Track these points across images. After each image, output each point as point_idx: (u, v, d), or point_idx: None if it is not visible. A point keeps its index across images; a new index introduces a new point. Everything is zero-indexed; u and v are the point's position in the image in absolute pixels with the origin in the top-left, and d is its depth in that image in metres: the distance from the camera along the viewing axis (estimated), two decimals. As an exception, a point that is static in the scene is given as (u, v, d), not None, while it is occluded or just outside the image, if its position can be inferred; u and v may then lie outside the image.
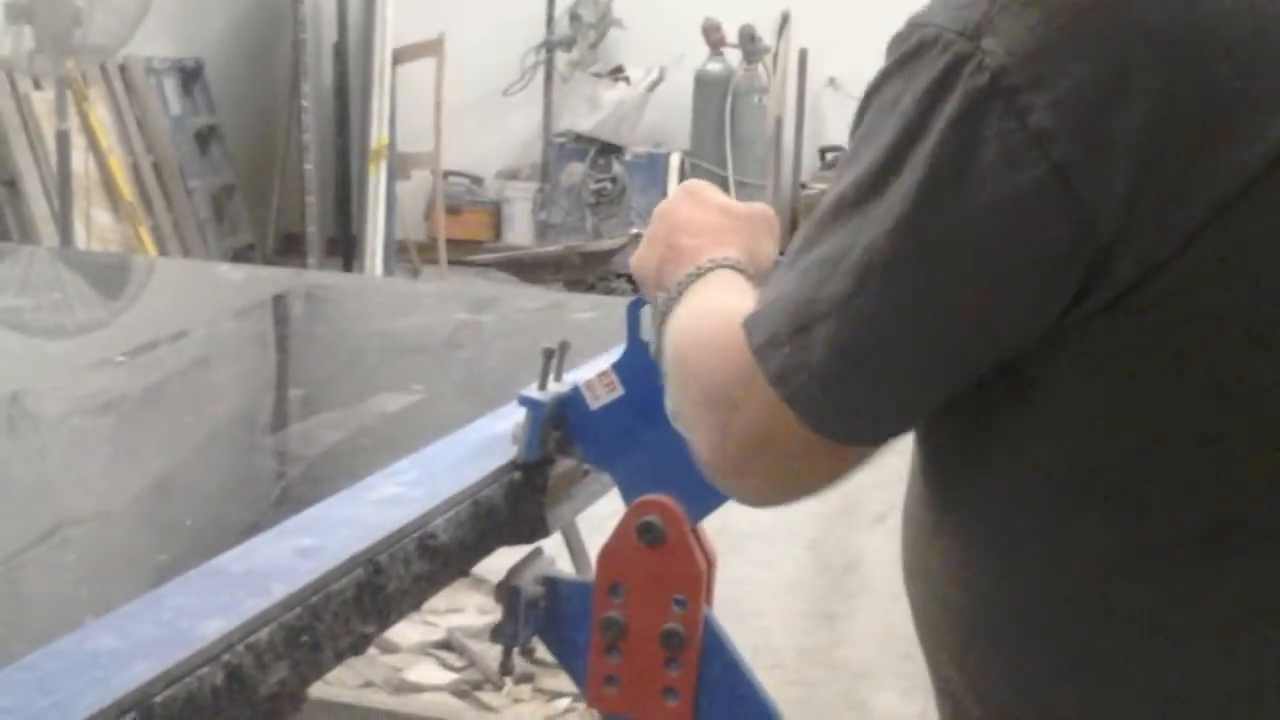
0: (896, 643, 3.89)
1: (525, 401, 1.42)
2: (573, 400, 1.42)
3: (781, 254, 1.18)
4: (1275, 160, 0.77)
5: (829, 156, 7.92)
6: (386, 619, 1.23)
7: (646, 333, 1.34)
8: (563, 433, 1.43)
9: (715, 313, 0.98)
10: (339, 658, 1.16)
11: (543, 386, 1.43)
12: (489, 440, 1.53)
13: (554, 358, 1.43)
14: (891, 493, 1.10)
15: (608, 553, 1.37)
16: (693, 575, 1.35)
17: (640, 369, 1.37)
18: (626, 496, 1.40)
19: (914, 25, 0.84)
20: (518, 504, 1.43)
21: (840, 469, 0.90)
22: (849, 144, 0.89)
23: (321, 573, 1.15)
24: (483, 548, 1.40)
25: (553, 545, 1.48)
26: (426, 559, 1.28)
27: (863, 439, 0.88)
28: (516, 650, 1.45)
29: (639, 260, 1.20)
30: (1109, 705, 0.86)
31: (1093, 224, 0.78)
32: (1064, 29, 0.78)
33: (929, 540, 0.94)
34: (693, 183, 1.23)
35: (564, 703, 3.53)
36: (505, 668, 1.49)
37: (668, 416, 1.31)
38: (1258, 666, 0.84)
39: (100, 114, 6.39)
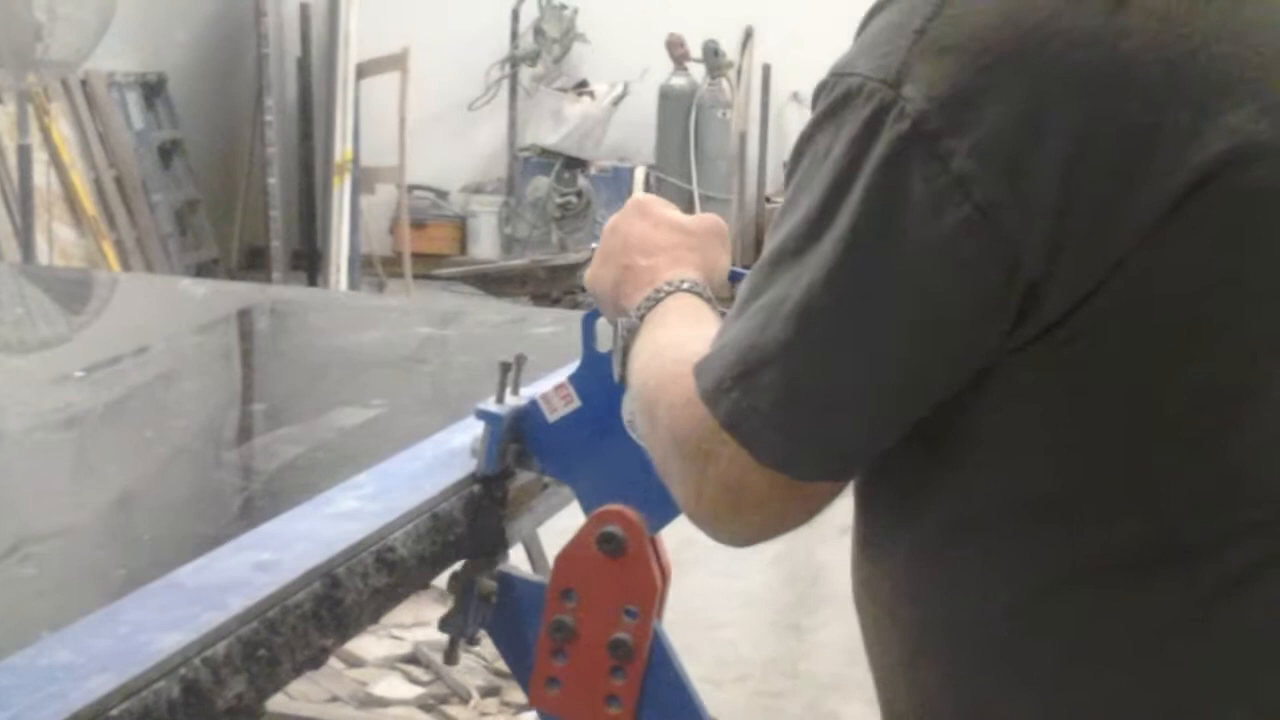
0: (863, 655, 3.90)
1: (483, 415, 1.43)
2: (530, 413, 1.43)
3: (735, 267, 1.20)
4: (1189, 190, 0.79)
5: (793, 170, 7.94)
6: (345, 632, 1.24)
7: (602, 345, 1.35)
8: (521, 446, 1.44)
9: (677, 356, 0.98)
10: (297, 671, 1.16)
11: (500, 400, 1.43)
12: (448, 454, 1.53)
13: (510, 371, 1.44)
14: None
15: (565, 557, 1.38)
16: (647, 588, 1.36)
17: (596, 381, 1.37)
18: (586, 507, 1.41)
19: (838, 75, 0.86)
20: (477, 517, 1.44)
21: (814, 505, 0.92)
22: (786, 191, 0.91)
23: (278, 586, 1.15)
24: (442, 561, 1.41)
25: (514, 554, 1.48)
26: (385, 572, 1.29)
27: (823, 475, 0.90)
28: (482, 661, 1.46)
29: (593, 277, 1.21)
30: (1053, 713, 0.88)
31: (1018, 261, 0.80)
32: (980, 73, 0.80)
33: (875, 562, 0.96)
34: (642, 198, 1.23)
35: (531, 716, 3.53)
36: (450, 657, 1.50)
37: (625, 428, 1.34)
38: (1190, 679, 0.86)
39: (62, 129, 6.36)
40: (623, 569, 1.35)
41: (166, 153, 7.19)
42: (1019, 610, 0.88)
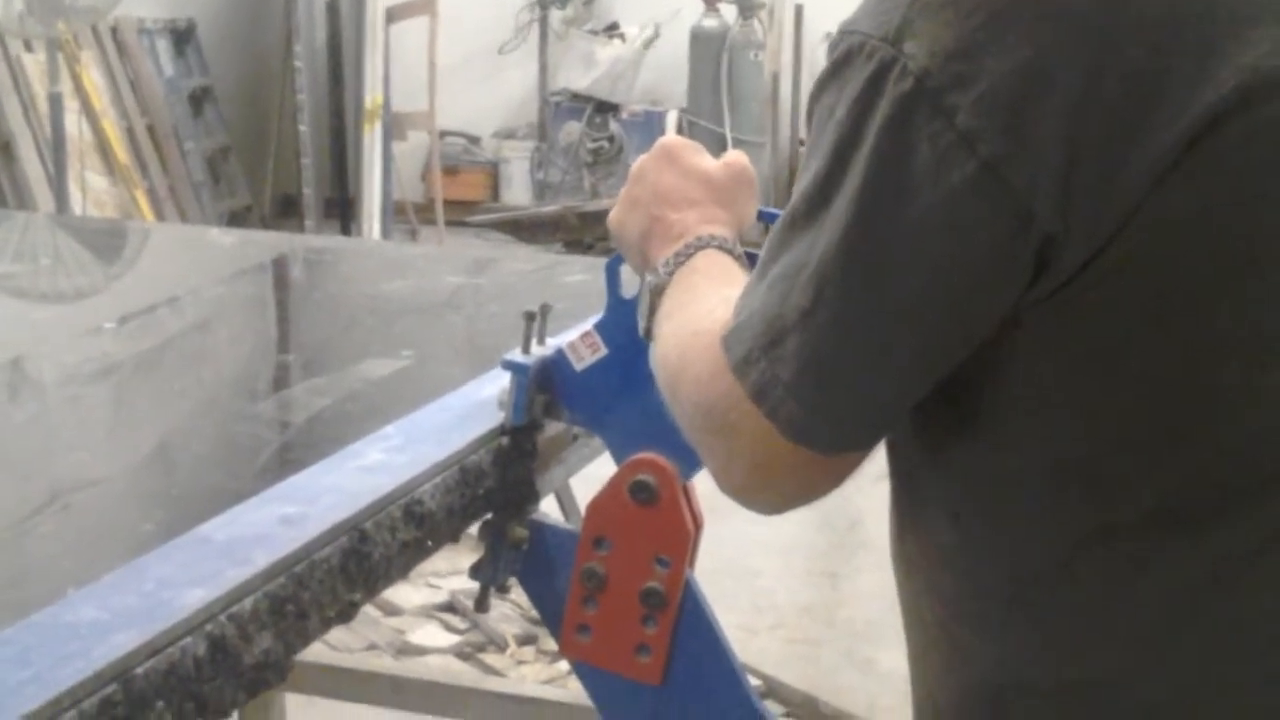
0: (899, 601, 3.89)
1: (509, 366, 1.41)
2: (557, 363, 1.41)
3: (764, 208, 1.20)
4: (1201, 131, 0.78)
5: (827, 112, 7.87)
6: (374, 586, 1.22)
7: (627, 291, 1.34)
8: (549, 396, 1.42)
9: (698, 328, 0.97)
10: (326, 626, 1.15)
11: (526, 350, 1.42)
12: (477, 405, 1.52)
13: (535, 321, 1.42)
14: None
15: (597, 505, 1.37)
16: (680, 536, 1.35)
17: (622, 328, 1.35)
18: (617, 456, 1.40)
19: (843, 33, 0.86)
20: (506, 469, 1.42)
21: (842, 472, 0.92)
22: (804, 151, 0.90)
23: (305, 541, 1.14)
24: (472, 514, 1.40)
25: (545, 502, 1.47)
26: (413, 525, 1.27)
27: (845, 446, 0.90)
28: (519, 609, 1.46)
29: (619, 224, 1.20)
30: (1081, 674, 0.88)
31: (1030, 214, 0.79)
32: (981, 26, 0.79)
33: (906, 528, 0.96)
34: (671, 142, 1.21)
35: (567, 664, 3.54)
36: (481, 605, 1.49)
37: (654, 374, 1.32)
38: (1207, 643, 0.85)
39: (93, 76, 6.35)
40: (655, 517, 1.34)
41: (197, 100, 7.18)
42: (1047, 572, 0.87)
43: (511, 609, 3.82)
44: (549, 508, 1.53)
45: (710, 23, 7.59)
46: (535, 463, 1.45)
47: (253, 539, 1.13)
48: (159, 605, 1.00)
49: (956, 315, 0.83)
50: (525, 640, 3.64)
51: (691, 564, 1.38)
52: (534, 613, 3.79)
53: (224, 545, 1.12)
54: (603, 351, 1.39)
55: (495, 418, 1.45)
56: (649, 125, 7.67)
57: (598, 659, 1.38)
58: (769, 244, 0.90)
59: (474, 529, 1.43)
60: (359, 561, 1.19)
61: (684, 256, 1.10)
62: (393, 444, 1.39)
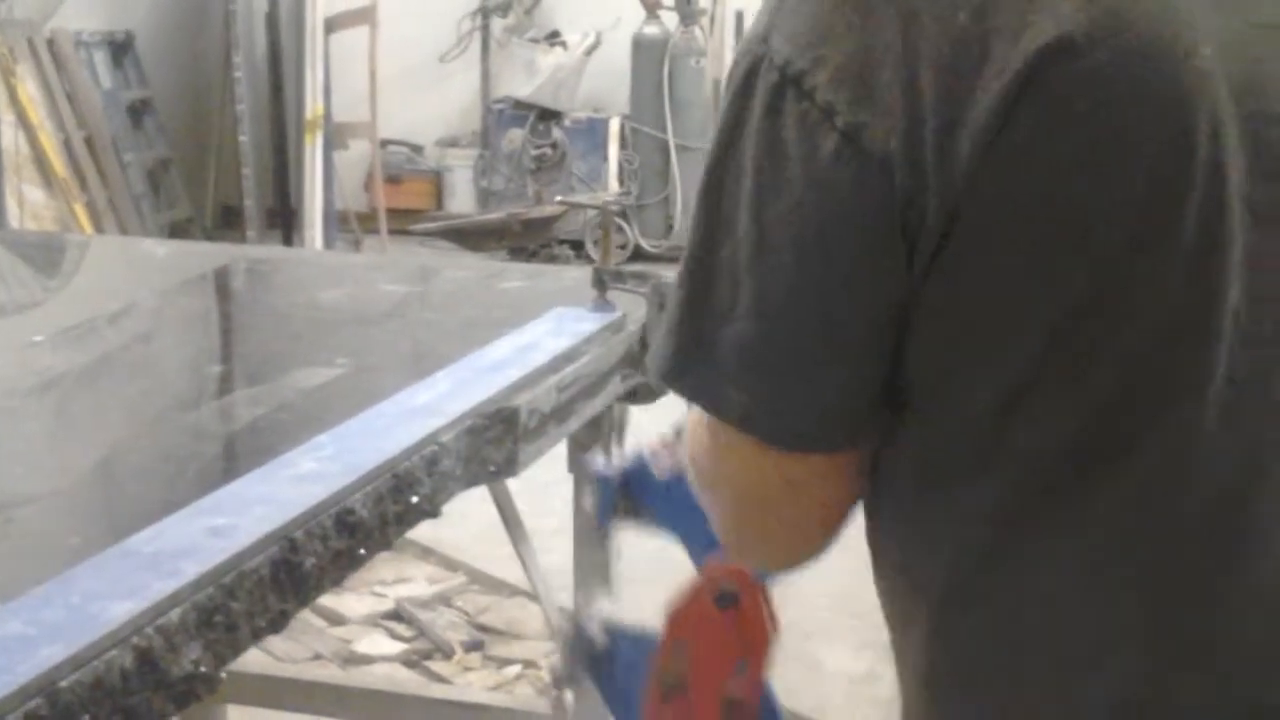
0: (846, 602, 3.91)
1: (599, 478, 1.47)
2: (638, 471, 1.47)
3: None
4: (1022, 84, 0.81)
5: (769, 117, 7.91)
6: (306, 596, 1.23)
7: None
8: (630, 501, 1.48)
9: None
10: (257, 636, 1.15)
11: (607, 455, 1.51)
12: (411, 413, 1.52)
13: (614, 430, 1.53)
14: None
15: (679, 610, 1.39)
16: (760, 640, 1.37)
17: None
18: (696, 561, 1.44)
19: (736, 51, 0.93)
20: (433, 476, 1.43)
21: (827, 514, 0.95)
22: None
23: (234, 551, 1.14)
24: (406, 521, 1.40)
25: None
26: (345, 534, 1.28)
27: (806, 436, 0.91)
28: (465, 616, 1.49)
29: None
30: (1006, 633, 0.90)
31: (890, 177, 0.83)
32: (828, 14, 0.86)
33: (873, 533, 0.98)
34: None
35: (514, 670, 3.54)
36: (558, 707, 1.53)
37: None
38: (1129, 588, 0.88)
39: (29, 89, 6.29)
40: (736, 622, 1.36)
41: (136, 112, 7.12)
42: (987, 549, 0.89)
43: (458, 616, 3.81)
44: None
45: (652, 30, 7.61)
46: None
47: (181, 551, 1.13)
48: (85, 619, 1.00)
49: (856, 283, 0.87)
50: (472, 647, 3.63)
51: (768, 667, 1.39)
52: (481, 619, 3.80)
53: (152, 557, 1.12)
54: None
55: (428, 424, 1.47)
56: (592, 132, 7.69)
57: None
58: (681, 265, 0.93)
59: (426, 539, 1.43)
60: (289, 571, 1.19)
61: None
62: (325, 453, 1.39)
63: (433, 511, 1.43)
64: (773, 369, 0.89)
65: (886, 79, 0.83)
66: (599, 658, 1.46)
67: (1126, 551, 0.87)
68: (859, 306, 0.87)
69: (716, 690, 1.37)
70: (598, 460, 1.49)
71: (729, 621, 1.36)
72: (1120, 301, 0.84)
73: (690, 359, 0.90)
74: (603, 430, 1.49)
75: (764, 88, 0.86)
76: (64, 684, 0.93)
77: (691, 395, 0.91)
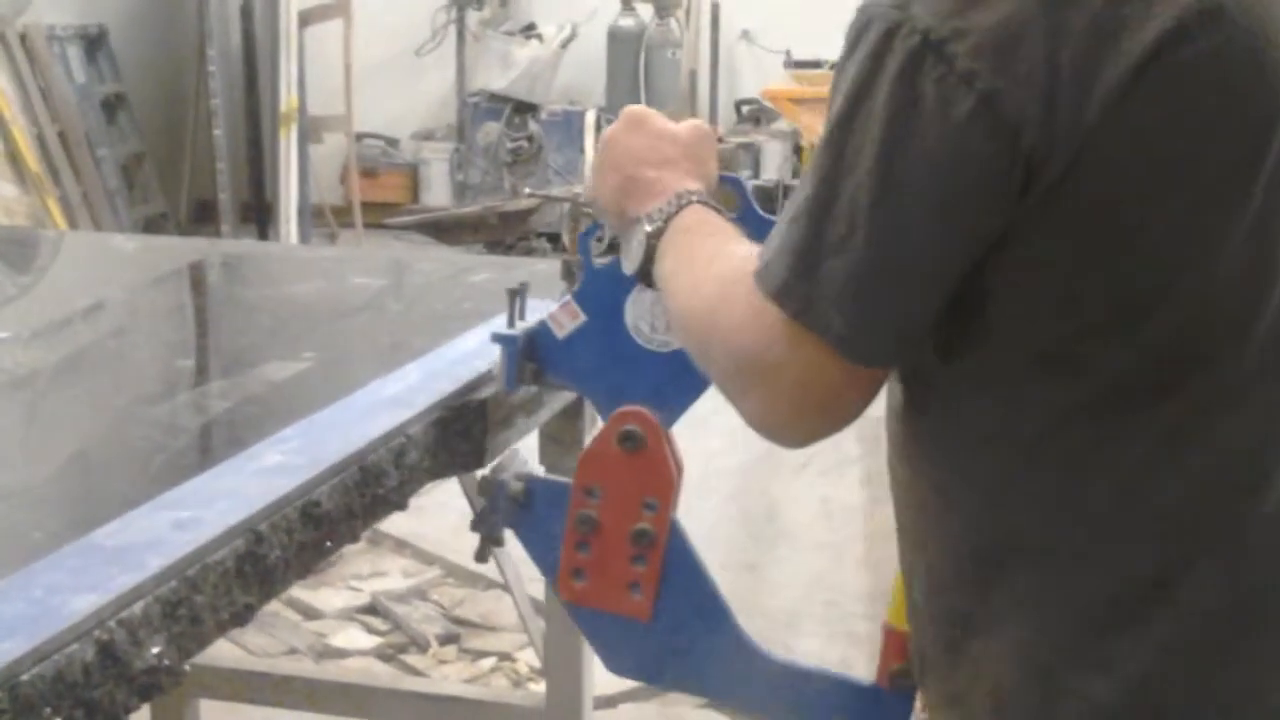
0: (818, 590, 3.92)
1: (498, 339, 1.52)
2: (541, 333, 1.52)
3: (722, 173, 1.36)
4: (1144, 64, 0.95)
5: (744, 109, 7.91)
6: (271, 589, 1.23)
7: (597, 261, 1.48)
8: (536, 364, 1.53)
9: (720, 281, 1.10)
10: (221, 629, 1.15)
11: (511, 324, 1.53)
12: (378, 405, 1.53)
13: (518, 296, 1.53)
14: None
15: (588, 456, 1.47)
16: (666, 480, 1.45)
17: (599, 296, 1.49)
18: (603, 412, 1.50)
19: (860, 10, 1.02)
20: (400, 468, 1.43)
21: (868, 396, 1.05)
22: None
23: (199, 544, 1.14)
24: (373, 514, 1.40)
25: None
26: (310, 527, 1.28)
27: (885, 358, 1.04)
28: (440, 609, 1.51)
29: (595, 190, 1.32)
30: (1058, 530, 1.04)
31: (1018, 137, 0.96)
32: None
33: (906, 425, 1.11)
34: (637, 110, 1.33)
35: (489, 662, 3.54)
36: (481, 557, 1.59)
37: (630, 334, 1.48)
38: (1164, 501, 1.02)
39: (1, 84, 6.26)
40: (642, 463, 1.45)
41: (110, 106, 7.09)
42: (1028, 449, 1.03)
43: (433, 609, 3.81)
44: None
45: (627, 22, 7.61)
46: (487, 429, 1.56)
47: (145, 544, 1.13)
48: (47, 612, 1.00)
49: (966, 228, 0.99)
50: (447, 640, 3.63)
51: (675, 506, 1.47)
52: (457, 612, 3.80)
53: (115, 551, 1.12)
54: (582, 319, 1.51)
55: (396, 417, 1.47)
56: (568, 125, 7.68)
57: (593, 600, 1.49)
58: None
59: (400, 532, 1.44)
60: (255, 564, 1.19)
61: (674, 207, 1.22)
62: (291, 446, 1.39)
63: (400, 504, 1.43)
64: (874, 299, 1.00)
65: (1025, 54, 0.95)
66: (517, 507, 1.51)
67: (1169, 463, 1.01)
68: (966, 246, 0.99)
69: (627, 531, 1.45)
70: (499, 326, 1.53)
71: (634, 463, 1.45)
72: (1199, 247, 0.99)
73: (801, 281, 1.00)
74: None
75: (902, 50, 0.97)
76: (25, 677, 0.93)
77: (795, 313, 1.01)
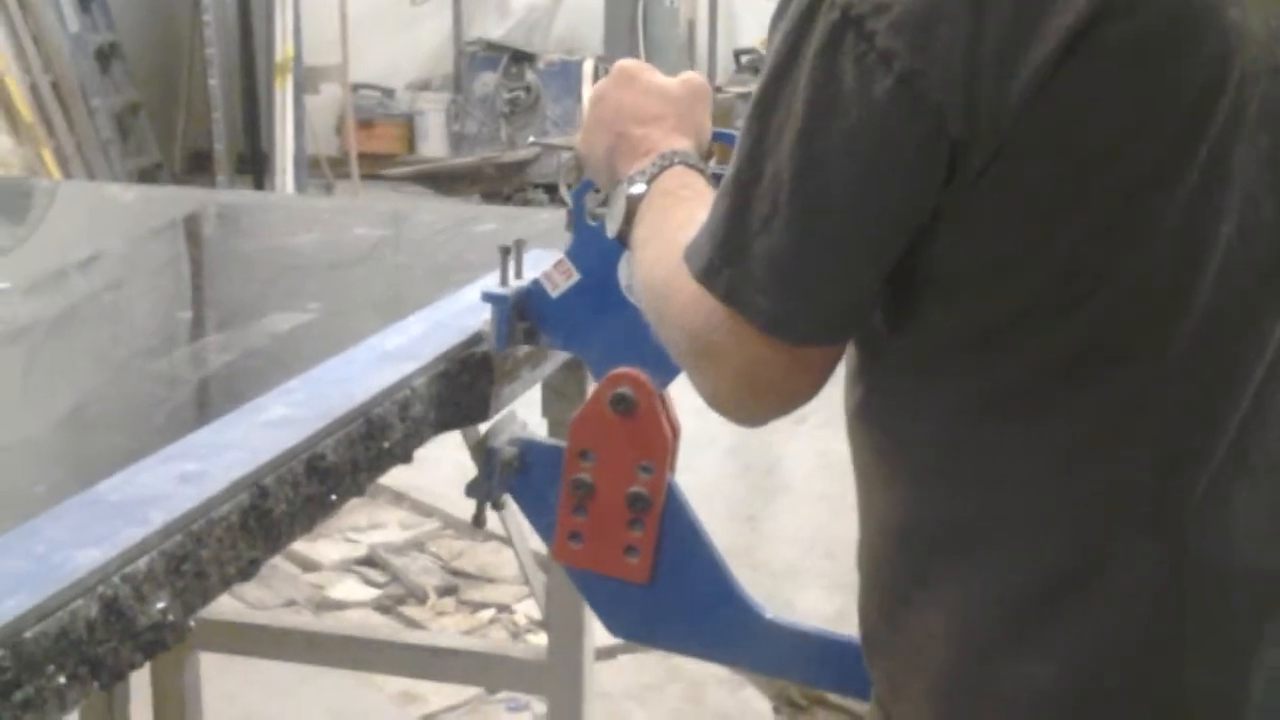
0: (817, 543, 3.93)
1: (489, 298, 1.49)
2: (533, 292, 1.50)
3: (716, 129, 1.32)
4: (1073, 39, 0.90)
5: (743, 59, 7.86)
6: (276, 543, 1.21)
7: (592, 217, 1.44)
8: (528, 323, 1.51)
9: (685, 246, 1.06)
10: (226, 584, 1.14)
11: (504, 282, 1.50)
12: (382, 357, 1.51)
13: (511, 254, 1.50)
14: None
15: (581, 419, 1.45)
16: (660, 443, 1.44)
17: (593, 254, 1.46)
18: (596, 373, 1.48)
19: None
20: (405, 421, 1.41)
21: (818, 378, 1.03)
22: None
23: (204, 498, 1.12)
24: (378, 467, 1.38)
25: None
26: (316, 480, 1.26)
27: (816, 337, 1.00)
28: (439, 561, 1.49)
29: (585, 145, 1.29)
30: (988, 512, 1.02)
31: (941, 119, 0.92)
32: None
33: (857, 397, 1.09)
34: (629, 64, 1.30)
35: (488, 614, 3.55)
36: (478, 520, 1.57)
37: (623, 293, 1.45)
38: (1094, 477, 0.99)
39: (-6, 33, 6.21)
40: (636, 427, 1.43)
41: (104, 56, 7.03)
42: (961, 428, 1.01)
43: (431, 561, 3.82)
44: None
45: (625, -30, 7.54)
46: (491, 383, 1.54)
47: (149, 498, 1.11)
48: (50, 568, 0.99)
49: (890, 210, 0.96)
50: (445, 592, 3.64)
51: (672, 469, 1.46)
52: (455, 564, 3.80)
53: (119, 505, 1.10)
54: (575, 277, 1.48)
55: (400, 369, 1.45)
56: (565, 74, 7.63)
57: (590, 563, 1.48)
58: (729, 168, 1.01)
59: (399, 485, 1.43)
60: (260, 518, 1.18)
61: (657, 168, 1.20)
62: (296, 398, 1.38)
63: (404, 457, 1.42)
64: (798, 279, 0.97)
65: (947, 32, 0.91)
66: (513, 471, 1.51)
67: (1096, 449, 0.98)
68: (892, 227, 0.96)
69: (623, 494, 1.45)
70: (490, 285, 1.50)
71: (628, 427, 1.43)
72: (1133, 229, 0.95)
73: (725, 263, 0.98)
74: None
75: (824, 25, 0.93)
76: (28, 635, 0.92)
77: (722, 296, 0.98)
